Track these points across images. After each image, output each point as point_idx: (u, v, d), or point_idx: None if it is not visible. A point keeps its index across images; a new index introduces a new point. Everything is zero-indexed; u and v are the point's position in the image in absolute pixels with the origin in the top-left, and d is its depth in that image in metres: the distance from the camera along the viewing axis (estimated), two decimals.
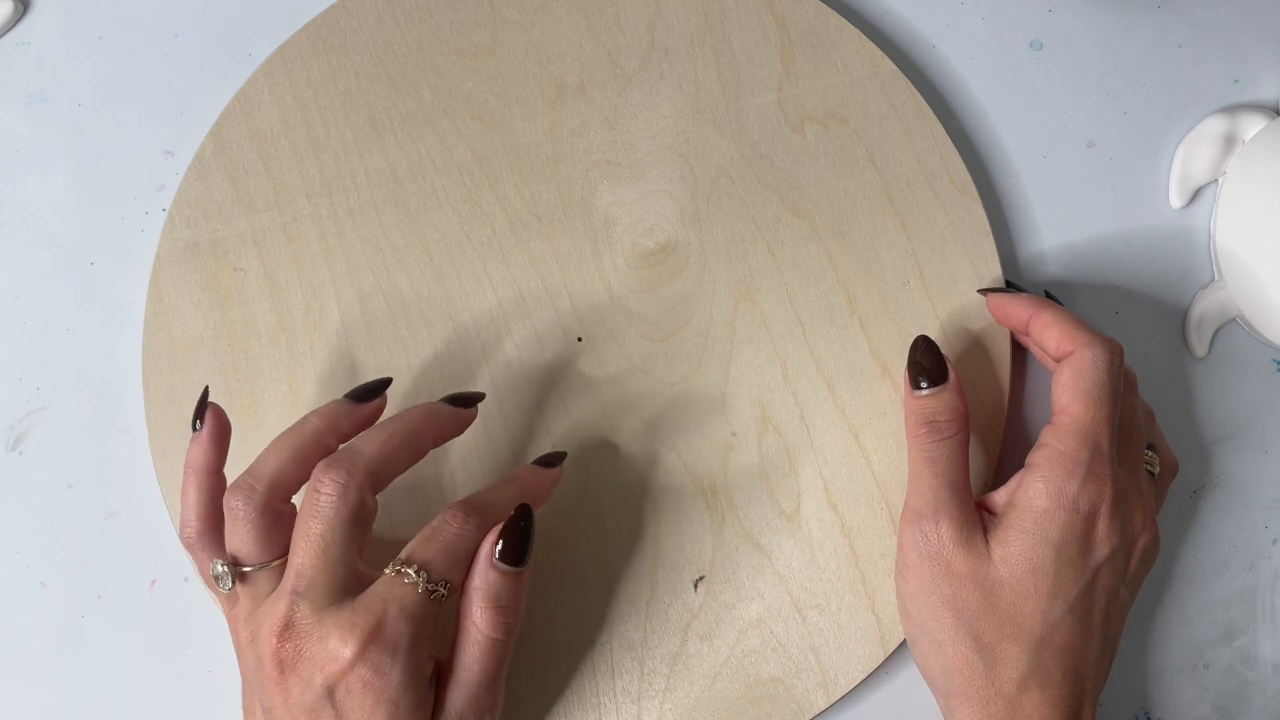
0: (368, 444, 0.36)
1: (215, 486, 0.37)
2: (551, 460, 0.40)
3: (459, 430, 0.38)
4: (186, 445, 0.42)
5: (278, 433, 0.42)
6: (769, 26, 0.45)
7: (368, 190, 0.44)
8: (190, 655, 0.43)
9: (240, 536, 0.35)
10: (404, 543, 0.37)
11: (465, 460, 0.42)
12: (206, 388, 0.39)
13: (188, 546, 0.37)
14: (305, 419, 0.37)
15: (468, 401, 0.39)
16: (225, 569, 0.35)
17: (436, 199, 0.44)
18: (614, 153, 0.44)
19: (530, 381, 0.43)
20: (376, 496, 0.36)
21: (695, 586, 0.42)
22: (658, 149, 0.44)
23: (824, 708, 0.41)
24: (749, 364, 0.43)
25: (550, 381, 0.43)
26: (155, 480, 0.42)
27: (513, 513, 0.36)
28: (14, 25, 0.46)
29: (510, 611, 0.36)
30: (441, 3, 0.45)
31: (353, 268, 0.43)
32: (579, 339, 0.43)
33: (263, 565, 0.35)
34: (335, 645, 0.33)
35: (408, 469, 0.36)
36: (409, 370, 0.43)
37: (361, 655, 0.33)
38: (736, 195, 0.44)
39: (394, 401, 0.42)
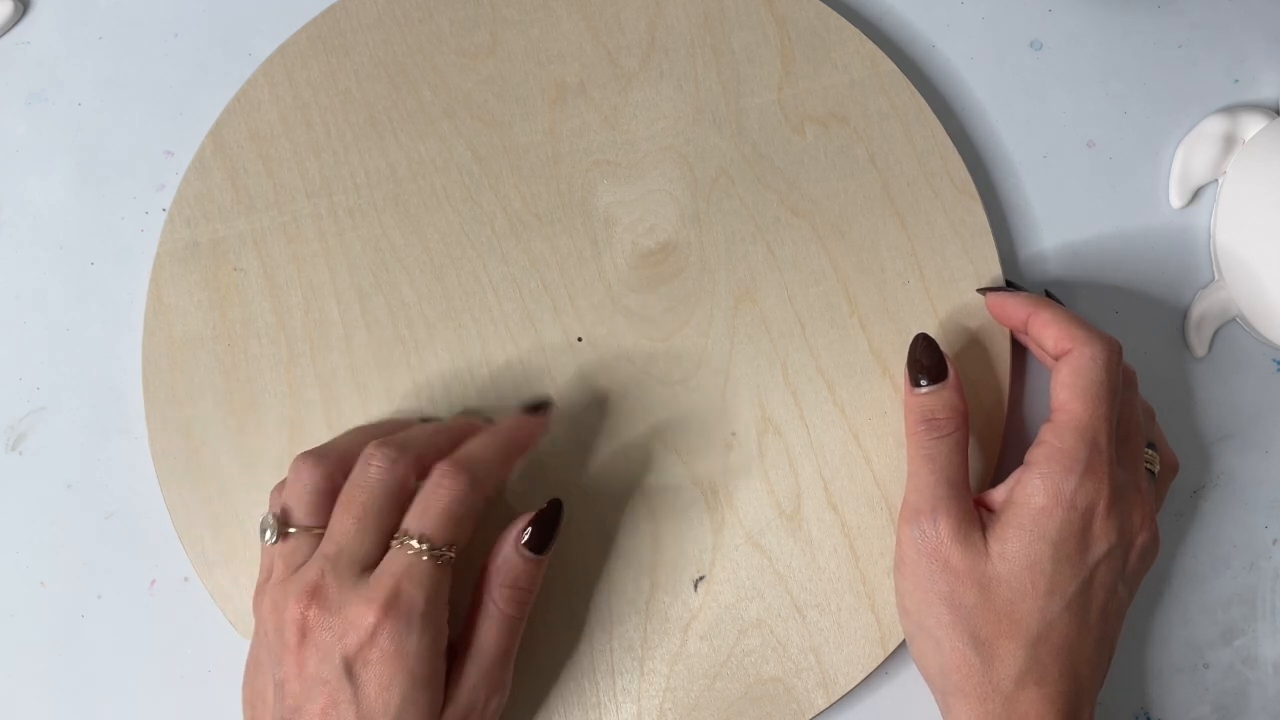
0: (430, 451, 0.38)
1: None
2: (537, 406, 0.41)
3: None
4: (186, 445, 0.42)
5: (277, 433, 0.42)
6: (769, 26, 0.45)
7: (368, 190, 0.44)
8: (190, 655, 0.43)
9: (296, 494, 0.37)
10: None
11: None
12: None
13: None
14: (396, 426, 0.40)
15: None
16: (274, 520, 0.36)
17: (436, 199, 0.44)
18: (614, 153, 0.44)
19: (530, 381, 0.43)
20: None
21: (695, 586, 0.42)
22: (658, 149, 0.44)
23: (824, 707, 0.41)
24: (749, 364, 0.43)
25: (550, 381, 0.43)
26: (155, 480, 0.42)
27: (545, 504, 0.38)
28: (14, 25, 0.46)
29: (527, 593, 0.37)
30: (441, 3, 0.45)
31: (353, 268, 0.43)
32: (579, 339, 0.43)
33: (306, 529, 0.36)
34: (355, 615, 0.34)
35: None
36: (409, 370, 0.43)
37: (379, 626, 0.34)
38: (736, 195, 0.44)
39: (394, 401, 0.42)
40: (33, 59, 0.46)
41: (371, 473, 0.36)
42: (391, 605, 0.34)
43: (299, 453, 0.38)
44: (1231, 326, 0.46)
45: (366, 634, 0.34)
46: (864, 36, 0.45)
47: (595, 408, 0.43)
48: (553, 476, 0.42)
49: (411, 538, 0.35)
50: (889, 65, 0.45)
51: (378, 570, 0.35)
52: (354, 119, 0.44)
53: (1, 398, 0.44)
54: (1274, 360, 0.46)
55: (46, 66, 0.46)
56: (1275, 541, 0.45)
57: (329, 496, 0.37)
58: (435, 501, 0.36)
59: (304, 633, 0.34)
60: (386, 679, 0.34)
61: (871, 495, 0.42)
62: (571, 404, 0.43)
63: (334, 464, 0.37)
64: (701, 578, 0.42)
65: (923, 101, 0.45)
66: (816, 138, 0.44)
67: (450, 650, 0.37)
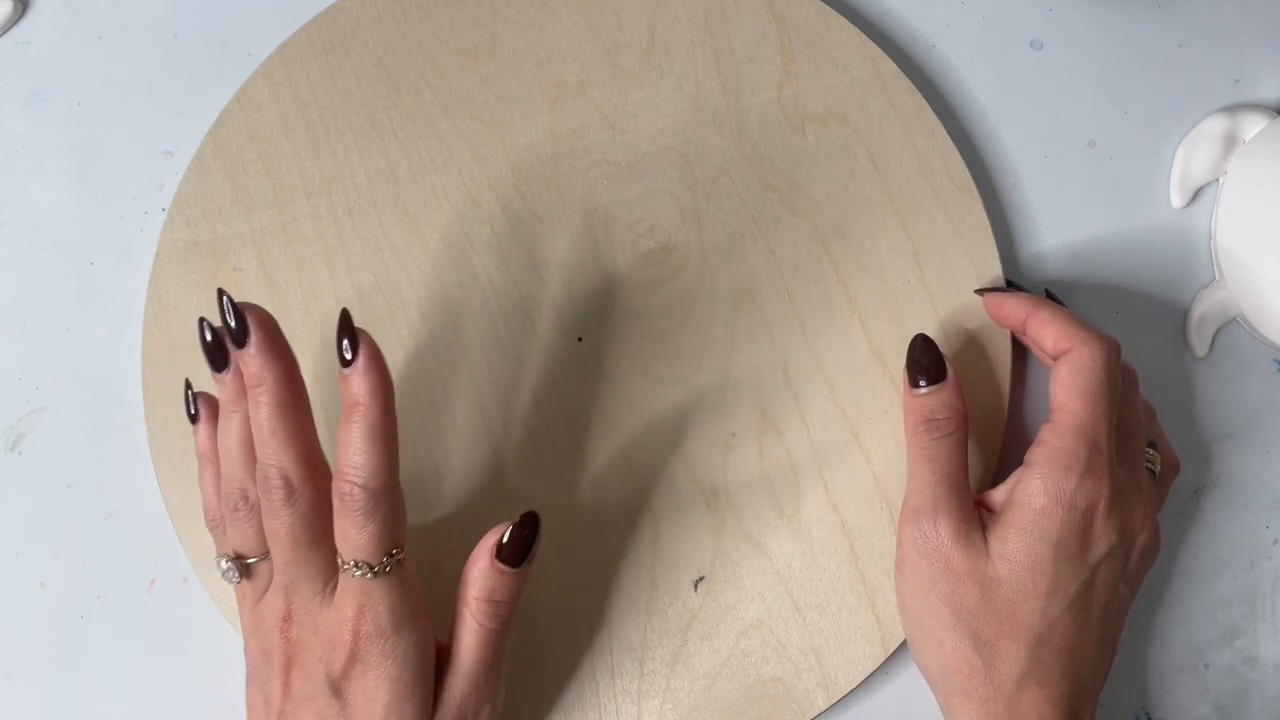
0: (270, 438, 0.35)
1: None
2: (349, 353, 0.34)
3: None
4: (186, 445, 0.42)
5: None
6: (769, 26, 0.45)
7: (367, 190, 0.44)
8: (190, 655, 0.42)
9: (240, 532, 0.37)
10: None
11: (465, 458, 0.42)
12: (187, 380, 0.39)
13: (211, 530, 0.39)
14: (228, 420, 0.37)
15: (240, 329, 0.35)
16: (230, 564, 0.37)
17: (436, 199, 0.44)
18: (614, 153, 0.44)
19: (530, 381, 0.43)
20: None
21: (695, 587, 0.42)
22: (658, 149, 0.44)
23: (824, 708, 0.41)
24: (749, 364, 0.43)
25: (550, 381, 0.43)
26: (155, 480, 0.42)
27: (520, 518, 0.36)
28: (14, 25, 0.46)
29: (506, 605, 0.36)
30: (441, 3, 0.45)
31: (352, 268, 0.43)
32: (579, 339, 0.43)
33: (264, 557, 0.37)
34: (331, 635, 0.35)
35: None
36: (408, 370, 0.43)
37: (355, 644, 0.34)
38: (736, 195, 0.44)
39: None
40: (33, 59, 0.46)
41: (276, 505, 0.35)
42: (360, 623, 0.34)
43: (214, 498, 0.38)
44: (1232, 326, 0.46)
45: (346, 653, 0.34)
46: (864, 36, 0.45)
47: (595, 408, 0.43)
48: (553, 476, 0.42)
49: (348, 564, 0.35)
50: (889, 65, 0.45)
51: (338, 593, 0.35)
52: (354, 119, 0.44)
53: (1, 398, 0.44)
54: (1274, 360, 0.46)
55: (46, 66, 0.46)
56: (1275, 541, 0.45)
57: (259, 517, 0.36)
58: (349, 527, 0.34)
59: (288, 657, 0.35)
60: (371, 692, 0.34)
61: (871, 495, 0.42)
62: (571, 404, 0.43)
63: (250, 503, 0.36)
64: (701, 578, 0.42)
65: (923, 101, 0.45)
66: (817, 137, 0.44)
67: (441, 654, 0.36)
